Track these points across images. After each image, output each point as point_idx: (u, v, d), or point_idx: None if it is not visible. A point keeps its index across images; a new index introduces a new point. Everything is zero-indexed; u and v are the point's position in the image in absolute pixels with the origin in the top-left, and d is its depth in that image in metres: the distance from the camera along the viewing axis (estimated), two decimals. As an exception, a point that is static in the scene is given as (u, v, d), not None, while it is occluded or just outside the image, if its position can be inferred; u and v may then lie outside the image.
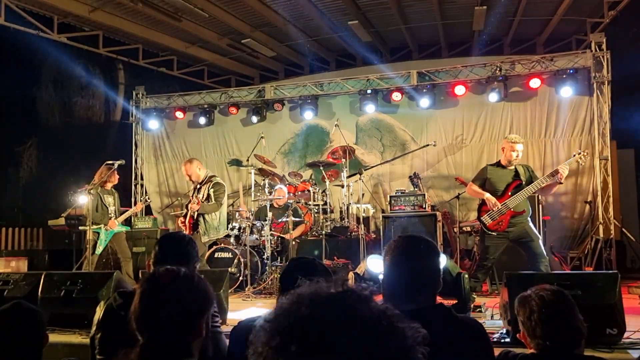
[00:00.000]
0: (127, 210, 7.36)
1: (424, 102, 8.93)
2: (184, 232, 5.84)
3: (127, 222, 7.42)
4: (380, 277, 1.98)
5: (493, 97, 8.60)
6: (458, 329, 1.84)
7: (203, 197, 6.02)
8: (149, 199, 8.08)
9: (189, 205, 6.01)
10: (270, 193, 7.63)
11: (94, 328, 2.21)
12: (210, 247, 6.92)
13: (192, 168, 6.23)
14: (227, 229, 6.81)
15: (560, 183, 5.32)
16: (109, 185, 6.88)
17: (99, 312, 2.23)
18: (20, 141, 13.25)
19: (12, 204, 12.77)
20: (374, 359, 0.73)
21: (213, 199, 5.95)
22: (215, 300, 1.67)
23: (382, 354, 0.74)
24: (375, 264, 3.80)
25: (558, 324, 2.01)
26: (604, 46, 8.12)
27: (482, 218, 5.35)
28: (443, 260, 3.49)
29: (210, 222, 5.96)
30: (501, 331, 3.63)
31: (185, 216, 6.07)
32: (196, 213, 5.94)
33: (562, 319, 2.02)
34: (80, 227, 7.68)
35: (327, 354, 0.72)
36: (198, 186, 6.20)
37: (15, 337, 1.93)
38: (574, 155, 5.49)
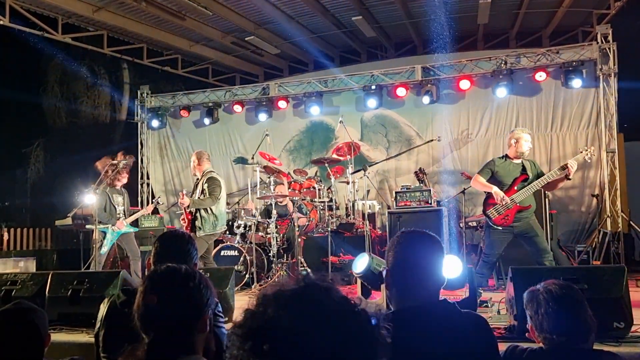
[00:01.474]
0: (136, 211, 7.37)
1: (429, 97, 8.89)
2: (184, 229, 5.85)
3: (134, 221, 7.42)
4: (384, 273, 1.97)
5: (502, 91, 8.52)
6: (462, 324, 1.83)
7: (199, 192, 6.01)
8: (160, 200, 8.09)
9: (179, 201, 6.02)
10: (274, 190, 7.63)
11: (98, 325, 2.21)
12: (216, 244, 6.92)
13: (196, 158, 6.22)
14: (226, 224, 6.72)
15: (569, 179, 5.26)
16: (118, 185, 6.86)
17: (103, 309, 2.23)
18: (28, 142, 13.35)
19: (21, 205, 12.87)
20: (342, 343, 0.78)
21: (207, 194, 5.94)
22: (215, 298, 1.67)
23: (349, 336, 0.79)
24: (359, 264, 3.79)
25: (565, 318, 1.99)
26: (610, 38, 8.05)
27: (488, 212, 5.31)
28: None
29: (206, 218, 5.93)
30: (507, 326, 3.61)
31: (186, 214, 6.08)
32: (193, 209, 5.93)
33: (570, 314, 2.00)
34: (87, 227, 7.71)
35: (298, 346, 0.77)
36: (196, 181, 6.21)
37: (16, 336, 1.93)
38: (582, 152, 5.44)
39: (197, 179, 6.20)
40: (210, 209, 5.94)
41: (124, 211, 6.88)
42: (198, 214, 5.93)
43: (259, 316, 0.81)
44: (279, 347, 0.76)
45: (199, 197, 5.98)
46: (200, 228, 5.88)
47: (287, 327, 0.78)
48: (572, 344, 1.99)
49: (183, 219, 6.12)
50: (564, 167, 5.16)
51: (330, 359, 0.77)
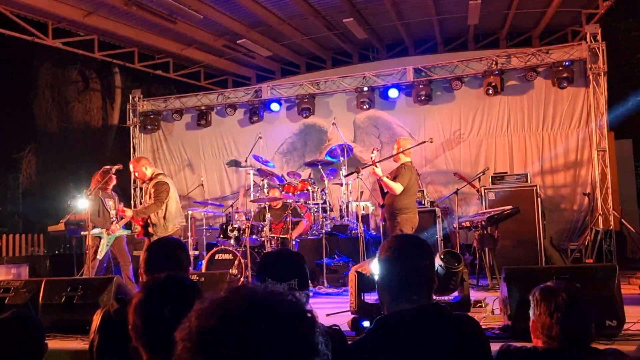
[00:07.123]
0: (128, 215, 7.32)
1: (421, 98, 8.93)
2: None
3: (128, 225, 7.39)
4: (376, 277, 1.98)
5: (493, 92, 8.53)
6: (453, 327, 1.85)
7: (148, 196, 5.95)
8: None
9: (120, 214, 5.94)
10: (268, 193, 7.62)
11: (92, 336, 2.20)
12: (210, 248, 6.90)
13: (137, 166, 6.09)
14: (183, 220, 6.50)
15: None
16: (109, 188, 6.85)
17: (97, 319, 2.22)
18: (19, 148, 13.26)
19: (13, 211, 12.79)
20: (279, 327, 0.87)
21: (153, 198, 5.87)
22: None
23: (285, 321, 0.88)
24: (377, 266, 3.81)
25: (578, 328, 1.99)
26: (599, 37, 8.11)
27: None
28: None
29: (157, 222, 5.83)
30: (501, 326, 3.63)
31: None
32: (144, 216, 5.86)
33: (583, 325, 2.00)
34: (82, 233, 7.66)
35: (246, 343, 0.85)
36: (145, 186, 6.13)
37: (15, 346, 1.92)
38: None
39: (144, 181, 6.10)
40: (158, 213, 5.86)
41: (116, 215, 6.87)
42: (148, 220, 5.86)
43: (200, 328, 0.88)
44: (230, 351, 0.85)
45: (144, 203, 5.90)
46: (152, 234, 5.81)
47: (231, 332, 0.86)
48: (576, 347, 1.99)
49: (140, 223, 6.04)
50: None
51: (267, 346, 0.85)
